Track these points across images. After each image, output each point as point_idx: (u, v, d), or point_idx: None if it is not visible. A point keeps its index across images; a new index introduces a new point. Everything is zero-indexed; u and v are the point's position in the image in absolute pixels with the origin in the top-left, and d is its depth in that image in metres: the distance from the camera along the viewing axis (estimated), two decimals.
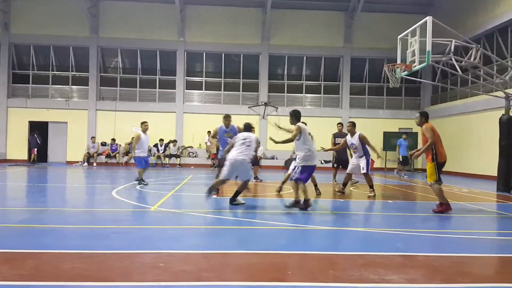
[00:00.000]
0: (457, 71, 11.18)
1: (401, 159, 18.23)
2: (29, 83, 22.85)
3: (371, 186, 10.10)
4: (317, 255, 4.62)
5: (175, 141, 22.23)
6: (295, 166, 8.13)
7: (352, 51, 23.44)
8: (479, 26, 18.45)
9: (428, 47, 10.26)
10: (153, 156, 21.84)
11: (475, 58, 11.24)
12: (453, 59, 10.89)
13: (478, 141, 18.15)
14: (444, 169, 8.37)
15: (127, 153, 21.84)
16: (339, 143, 11.63)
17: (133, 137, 12.59)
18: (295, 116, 8.10)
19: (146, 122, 12.24)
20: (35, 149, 22.03)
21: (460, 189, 13.02)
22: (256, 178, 13.69)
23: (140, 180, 11.68)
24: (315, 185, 10.34)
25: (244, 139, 8.42)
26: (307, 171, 7.90)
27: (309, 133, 8.13)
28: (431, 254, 4.69)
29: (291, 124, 8.22)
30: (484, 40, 18.35)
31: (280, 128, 10.09)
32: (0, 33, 22.23)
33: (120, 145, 22.03)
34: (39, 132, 22.25)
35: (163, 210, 7.47)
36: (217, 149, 9.71)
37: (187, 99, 23.39)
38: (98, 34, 22.75)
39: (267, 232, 5.97)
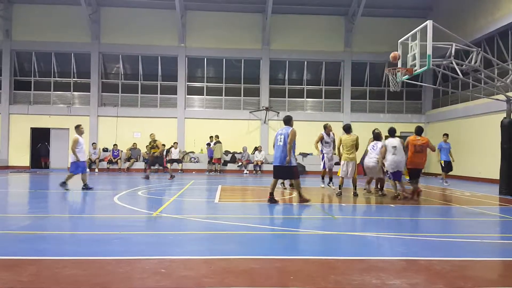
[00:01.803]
0: (458, 75, 11.17)
1: (443, 165, 15.76)
2: (30, 90, 22.92)
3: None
4: (319, 260, 4.60)
5: (175, 143, 22.18)
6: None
7: (353, 55, 23.47)
8: (479, 30, 18.47)
9: (429, 51, 10.25)
10: None
11: (475, 62, 11.23)
12: (453, 63, 10.88)
13: (480, 145, 18.11)
14: None
15: (128, 158, 21.87)
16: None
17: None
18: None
19: (81, 125, 12.07)
20: (46, 157, 22.98)
21: (462, 192, 12.98)
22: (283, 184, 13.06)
23: (64, 184, 11.51)
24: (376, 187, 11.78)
25: (373, 146, 10.82)
26: (396, 174, 10.38)
27: (394, 146, 10.30)
28: (433, 258, 4.67)
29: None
30: (485, 43, 18.35)
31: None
32: (2, 40, 22.34)
33: (121, 151, 22.05)
34: (40, 138, 22.47)
35: (165, 216, 7.46)
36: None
37: (188, 105, 23.43)
38: (100, 40, 22.84)
39: (268, 237, 5.95)
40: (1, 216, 7.56)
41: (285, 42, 23.33)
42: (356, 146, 11.00)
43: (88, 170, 21.04)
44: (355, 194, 10.85)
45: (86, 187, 11.62)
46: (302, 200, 9.30)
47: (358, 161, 12.79)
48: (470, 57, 11.39)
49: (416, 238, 5.95)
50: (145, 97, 23.35)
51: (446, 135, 16.04)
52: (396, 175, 10.44)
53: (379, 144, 10.78)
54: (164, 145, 16.77)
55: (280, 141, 9.21)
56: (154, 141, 16.41)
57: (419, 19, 18.73)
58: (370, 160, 10.86)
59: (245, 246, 5.27)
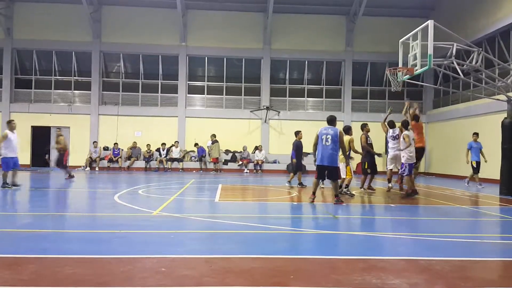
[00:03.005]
0: (459, 75, 11.17)
1: (474, 165, 14.42)
2: (31, 88, 22.91)
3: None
4: (319, 259, 4.60)
5: (176, 142, 22.24)
6: (402, 164, 10.73)
7: (354, 55, 23.46)
8: (481, 30, 18.45)
9: (430, 51, 10.26)
10: (156, 160, 21.88)
11: (476, 62, 11.23)
12: (454, 63, 10.88)
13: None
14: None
15: (129, 157, 21.88)
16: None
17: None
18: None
19: (13, 120, 11.83)
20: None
21: (463, 192, 12.98)
22: (300, 184, 13.18)
23: (4, 184, 11.21)
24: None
25: (392, 136, 11.71)
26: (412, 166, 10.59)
27: (413, 139, 10.65)
28: (433, 258, 4.67)
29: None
30: (486, 43, 18.33)
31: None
32: (3, 38, 22.33)
33: (122, 150, 22.06)
34: (41, 137, 22.54)
35: (165, 215, 7.47)
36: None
37: (189, 104, 23.43)
38: (101, 39, 22.84)
39: (268, 236, 5.96)
40: (1, 214, 7.57)
41: (286, 42, 23.32)
42: (348, 147, 11.02)
43: (88, 168, 21.19)
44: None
45: (14, 185, 11.33)
46: (338, 201, 9.20)
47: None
48: (471, 57, 11.38)
49: (416, 238, 5.95)
50: (146, 96, 23.35)
51: (476, 134, 14.67)
52: (411, 168, 10.63)
53: (397, 130, 11.24)
54: (64, 147, 15.14)
55: (327, 141, 9.10)
56: (58, 136, 15.37)
57: (421, 19, 18.72)
58: (393, 149, 11.03)
59: (245, 246, 5.27)
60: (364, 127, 12.23)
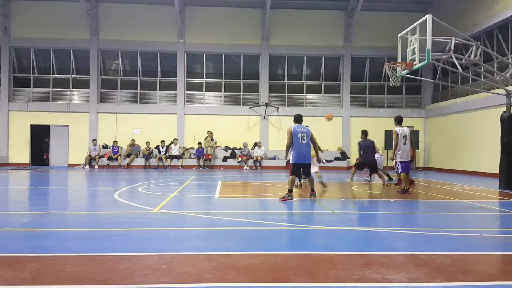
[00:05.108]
0: (458, 69, 11.17)
1: None
2: (30, 87, 22.88)
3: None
4: (319, 255, 4.61)
5: (175, 139, 22.25)
6: (396, 163, 10.80)
7: (352, 50, 23.43)
8: (479, 24, 18.43)
9: (428, 45, 10.25)
10: (155, 157, 21.87)
11: (475, 56, 11.22)
12: (453, 57, 10.88)
13: (479, 139, 18.12)
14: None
15: (128, 155, 21.87)
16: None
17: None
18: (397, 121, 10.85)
19: None
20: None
21: (462, 186, 13.00)
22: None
23: None
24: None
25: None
26: (405, 164, 10.56)
27: (405, 136, 10.46)
28: (433, 252, 4.68)
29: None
30: (484, 37, 18.32)
31: None
32: (0, 37, 22.28)
33: (121, 147, 22.05)
34: (40, 135, 22.57)
35: (165, 212, 7.48)
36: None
37: (187, 101, 23.41)
38: (98, 37, 22.78)
39: (269, 233, 5.96)
40: (2, 213, 7.58)
41: (284, 37, 23.28)
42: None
43: (87, 166, 21.18)
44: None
45: None
46: (313, 194, 9.56)
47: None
48: (469, 51, 11.38)
49: (416, 232, 5.97)
50: (145, 94, 23.32)
51: None
52: (408, 166, 10.61)
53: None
54: None
55: (303, 139, 9.20)
56: None
57: (419, 13, 18.72)
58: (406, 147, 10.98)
59: (245, 242, 5.28)
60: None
